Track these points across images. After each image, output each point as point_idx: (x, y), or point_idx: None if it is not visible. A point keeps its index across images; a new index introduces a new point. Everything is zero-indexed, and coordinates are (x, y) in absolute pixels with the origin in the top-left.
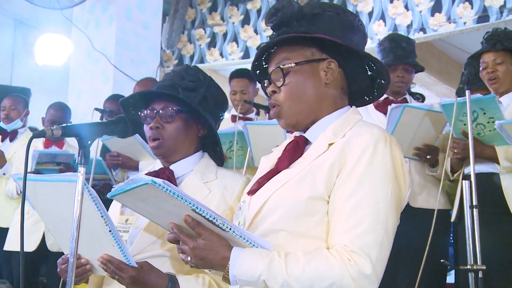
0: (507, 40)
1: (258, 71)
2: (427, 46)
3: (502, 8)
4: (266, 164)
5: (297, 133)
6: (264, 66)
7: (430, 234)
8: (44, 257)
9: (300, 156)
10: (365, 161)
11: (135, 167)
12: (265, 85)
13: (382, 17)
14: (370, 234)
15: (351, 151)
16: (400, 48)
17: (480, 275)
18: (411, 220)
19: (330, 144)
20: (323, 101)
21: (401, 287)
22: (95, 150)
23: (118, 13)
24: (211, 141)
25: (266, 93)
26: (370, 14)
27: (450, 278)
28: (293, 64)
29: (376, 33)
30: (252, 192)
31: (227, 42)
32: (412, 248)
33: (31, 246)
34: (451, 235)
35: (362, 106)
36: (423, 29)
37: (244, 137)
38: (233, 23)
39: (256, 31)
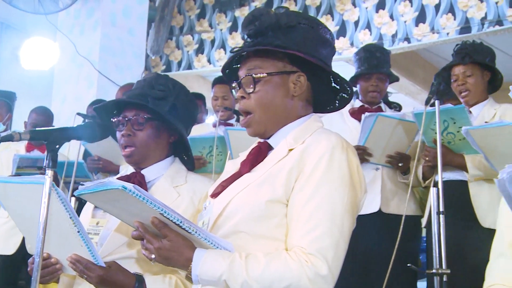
0: (475, 53)
1: (227, 70)
2: (412, 55)
3: (483, 20)
4: (230, 168)
5: (261, 139)
6: (234, 66)
7: (398, 239)
8: (24, 260)
9: (262, 161)
10: (323, 167)
11: (116, 170)
12: (234, 86)
13: (368, 27)
14: (327, 237)
15: (309, 157)
16: (374, 58)
17: (444, 278)
18: (383, 226)
19: (290, 150)
20: (289, 111)
21: None
22: (77, 153)
23: (103, 19)
24: (182, 147)
25: (232, 93)
26: (356, 23)
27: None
28: (265, 74)
29: (361, 42)
30: (215, 195)
31: (215, 49)
32: (383, 253)
33: (10, 249)
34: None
35: (324, 113)
36: (407, 39)
37: (224, 142)
38: (221, 30)
39: (244, 38)
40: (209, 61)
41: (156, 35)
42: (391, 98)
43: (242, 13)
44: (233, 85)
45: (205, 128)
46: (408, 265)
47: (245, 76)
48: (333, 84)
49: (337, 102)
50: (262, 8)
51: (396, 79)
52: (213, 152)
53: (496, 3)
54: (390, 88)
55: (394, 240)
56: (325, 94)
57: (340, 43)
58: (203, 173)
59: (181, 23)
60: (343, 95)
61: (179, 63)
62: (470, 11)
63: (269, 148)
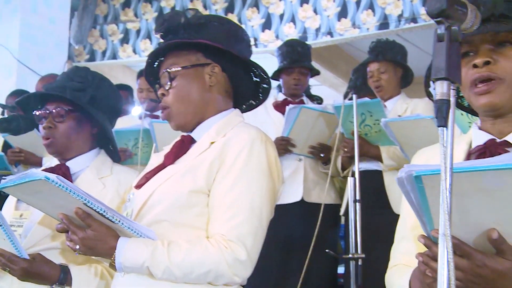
0: (388, 51)
1: (151, 77)
2: (335, 49)
3: (400, 17)
4: (155, 160)
5: (184, 133)
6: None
7: (317, 227)
8: None
9: (185, 153)
10: (242, 159)
11: (38, 163)
12: (157, 87)
13: (293, 20)
14: (246, 225)
15: (230, 150)
16: (295, 53)
17: (359, 262)
18: (305, 214)
19: (212, 143)
20: (208, 103)
21: (293, 277)
22: None
23: (23, 6)
24: (106, 138)
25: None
26: (281, 17)
27: None
28: (179, 68)
29: (287, 35)
30: (139, 186)
31: (141, 39)
32: (305, 240)
33: None
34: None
35: (251, 110)
36: (330, 33)
37: (150, 134)
38: (147, 20)
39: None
40: (134, 51)
41: (79, 24)
42: (315, 89)
43: (168, 3)
44: (156, 86)
45: (131, 120)
46: (327, 250)
47: (162, 73)
48: (254, 78)
49: (260, 94)
50: (173, 11)
51: (317, 73)
52: (138, 144)
53: (411, 1)
54: (314, 81)
55: (315, 227)
56: (247, 86)
57: (265, 36)
58: (129, 165)
59: (105, 12)
60: (264, 85)
61: (104, 53)
62: (388, 8)
63: (192, 141)
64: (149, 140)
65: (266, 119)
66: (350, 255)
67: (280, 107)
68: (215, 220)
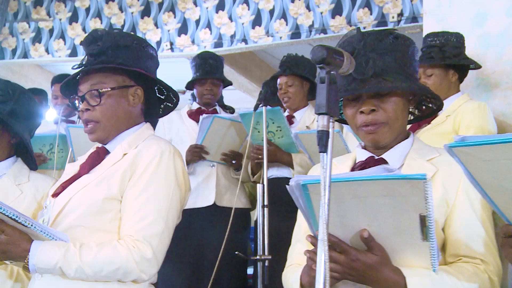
0: (296, 66)
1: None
2: (250, 55)
3: (311, 27)
4: (70, 170)
5: (99, 144)
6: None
7: (227, 230)
8: None
9: (99, 164)
10: (152, 169)
11: None
12: (75, 100)
13: (208, 26)
14: (153, 226)
15: (141, 160)
16: (208, 65)
17: (266, 263)
18: (217, 217)
19: (125, 154)
20: (128, 120)
21: (207, 278)
22: None
23: None
24: (24, 148)
25: (73, 105)
26: (197, 22)
27: None
28: (109, 88)
29: (202, 40)
30: (55, 195)
31: (54, 39)
32: (217, 242)
33: None
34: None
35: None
36: (245, 40)
37: (65, 139)
38: (60, 19)
39: (84, 30)
40: (47, 50)
41: None
42: (231, 93)
43: (82, 4)
44: (75, 97)
45: (45, 125)
46: (236, 252)
47: (90, 91)
48: (158, 95)
49: (160, 110)
50: (100, 29)
51: (230, 83)
52: (54, 149)
53: (321, 13)
54: (230, 87)
55: (226, 230)
56: (154, 103)
57: (181, 41)
58: (43, 169)
59: (15, 9)
60: (168, 104)
61: (14, 51)
62: (300, 18)
63: (106, 152)
64: (64, 145)
65: (181, 126)
66: (257, 257)
67: (194, 115)
68: (125, 223)
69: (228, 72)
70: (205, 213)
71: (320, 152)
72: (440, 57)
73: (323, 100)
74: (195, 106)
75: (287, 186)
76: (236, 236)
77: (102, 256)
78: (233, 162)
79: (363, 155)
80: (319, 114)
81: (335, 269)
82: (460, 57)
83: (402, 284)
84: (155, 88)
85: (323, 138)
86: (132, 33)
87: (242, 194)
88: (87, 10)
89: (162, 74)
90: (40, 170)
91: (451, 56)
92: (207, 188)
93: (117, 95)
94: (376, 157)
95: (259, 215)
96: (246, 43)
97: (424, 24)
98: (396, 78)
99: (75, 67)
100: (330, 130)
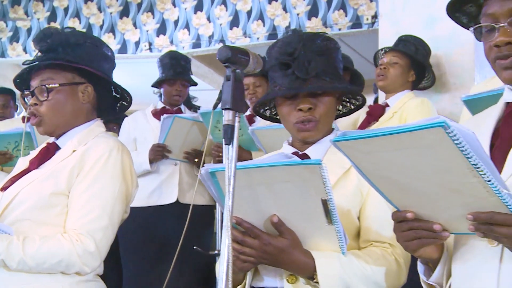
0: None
1: (18, 80)
2: None
3: (287, 28)
4: (21, 164)
5: (50, 140)
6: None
7: (185, 226)
8: None
9: (49, 159)
10: (100, 165)
11: None
12: (27, 94)
13: (187, 27)
14: (97, 221)
15: (89, 157)
16: (179, 66)
17: None
18: (180, 214)
19: (74, 151)
20: (78, 116)
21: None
22: None
23: None
24: None
25: (24, 100)
26: (176, 23)
27: None
28: (57, 85)
29: (181, 41)
30: (4, 188)
31: (32, 38)
32: (180, 238)
33: None
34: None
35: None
36: (223, 40)
37: (31, 137)
38: (39, 19)
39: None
40: (25, 50)
41: None
42: (209, 94)
43: (61, 3)
44: (26, 93)
45: (15, 123)
46: (194, 247)
47: (39, 86)
48: (114, 94)
49: (117, 108)
50: (52, 27)
51: (195, 84)
52: (20, 147)
53: (298, 14)
54: (208, 85)
55: (189, 226)
56: (108, 101)
57: (160, 41)
58: (10, 167)
59: None
60: (123, 103)
61: None
62: (277, 19)
63: (57, 147)
64: (29, 143)
65: (146, 126)
66: (216, 251)
67: (158, 114)
68: (70, 217)
69: (207, 72)
70: (168, 210)
71: (226, 144)
72: (413, 51)
73: (229, 97)
74: (160, 105)
75: (198, 175)
76: (200, 232)
77: (45, 249)
78: (196, 160)
79: (288, 150)
80: (225, 109)
81: (250, 254)
82: (426, 64)
83: (312, 266)
84: (112, 87)
85: (228, 131)
86: (87, 32)
87: (206, 191)
88: (66, 10)
89: (140, 74)
90: (6, 168)
91: (421, 58)
92: (170, 186)
93: (66, 91)
94: (300, 153)
95: (218, 211)
96: (224, 44)
97: (379, 27)
98: (333, 78)
99: (26, 62)
100: (236, 124)
